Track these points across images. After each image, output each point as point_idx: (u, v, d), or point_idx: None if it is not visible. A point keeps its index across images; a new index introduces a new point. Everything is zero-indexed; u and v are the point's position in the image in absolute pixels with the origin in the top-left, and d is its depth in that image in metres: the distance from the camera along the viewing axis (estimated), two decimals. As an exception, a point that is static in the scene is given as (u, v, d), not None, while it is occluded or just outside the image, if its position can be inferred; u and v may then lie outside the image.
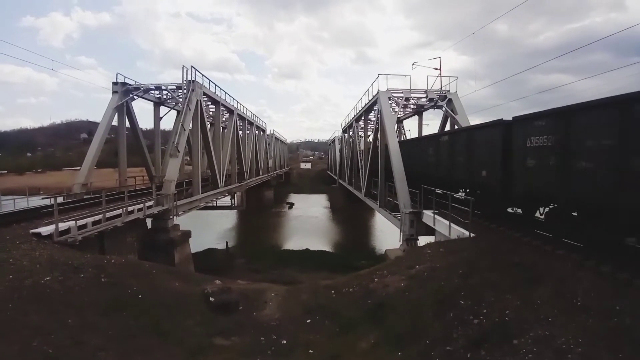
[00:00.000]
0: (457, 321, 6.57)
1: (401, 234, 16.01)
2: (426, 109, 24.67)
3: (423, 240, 14.84)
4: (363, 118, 28.82)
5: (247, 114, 37.40)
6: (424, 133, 25.72)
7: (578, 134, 8.01)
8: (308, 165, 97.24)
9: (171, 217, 17.73)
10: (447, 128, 21.85)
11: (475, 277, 7.70)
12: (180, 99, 22.29)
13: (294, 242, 31.93)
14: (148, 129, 36.17)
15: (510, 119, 10.94)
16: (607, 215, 7.66)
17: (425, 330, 6.82)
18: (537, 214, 11.72)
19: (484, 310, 6.46)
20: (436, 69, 21.74)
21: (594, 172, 7.56)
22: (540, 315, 5.73)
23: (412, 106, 24.85)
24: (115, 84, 22.68)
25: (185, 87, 21.04)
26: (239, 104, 32.92)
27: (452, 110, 20.99)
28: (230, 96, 29.65)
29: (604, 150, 7.35)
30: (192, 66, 21.09)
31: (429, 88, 21.76)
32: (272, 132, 62.03)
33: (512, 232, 10.89)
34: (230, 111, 30.53)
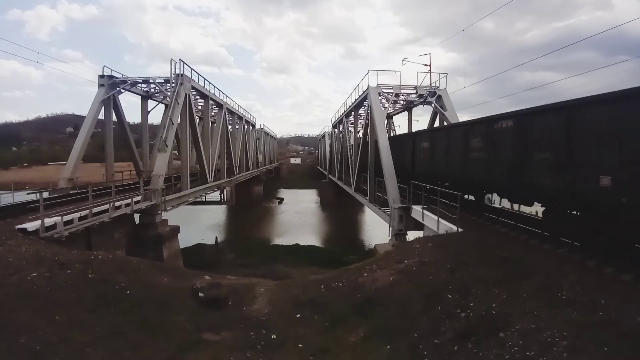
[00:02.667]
0: (444, 315, 6.65)
1: (390, 228, 16.14)
2: (416, 105, 24.74)
3: (412, 235, 14.96)
4: (353, 113, 28.82)
5: (237, 109, 37.12)
6: (414, 129, 25.79)
7: None
8: (298, 161, 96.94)
9: (159, 212, 17.56)
10: (437, 124, 21.92)
11: (462, 271, 7.81)
12: (169, 93, 21.95)
13: (284, 237, 31.90)
14: (135, 123, 35.69)
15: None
16: None
17: (414, 324, 6.90)
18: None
19: (471, 304, 6.55)
20: (426, 65, 21.78)
21: None
22: (527, 309, 5.82)
23: (401, 102, 24.88)
24: (101, 77, 22.18)
25: (173, 81, 20.74)
26: (228, 98, 32.64)
27: (441, 107, 21.09)
28: (219, 90, 29.36)
29: None
30: (180, 59, 20.78)
31: (419, 84, 21.85)
32: (261, 127, 61.52)
33: (499, 227, 11.04)
34: (219, 105, 30.22)
